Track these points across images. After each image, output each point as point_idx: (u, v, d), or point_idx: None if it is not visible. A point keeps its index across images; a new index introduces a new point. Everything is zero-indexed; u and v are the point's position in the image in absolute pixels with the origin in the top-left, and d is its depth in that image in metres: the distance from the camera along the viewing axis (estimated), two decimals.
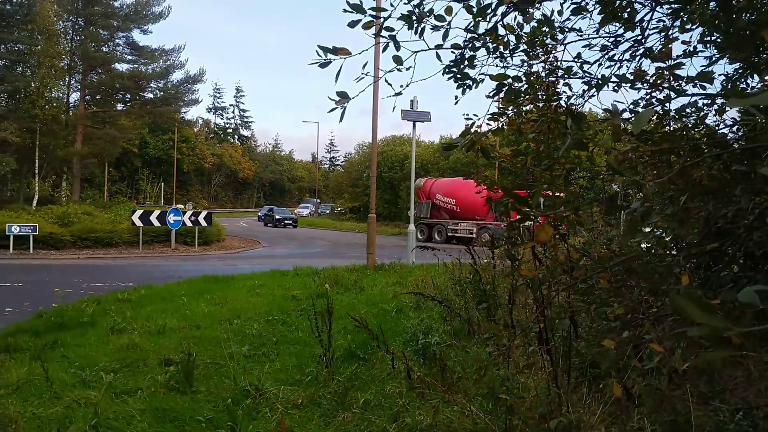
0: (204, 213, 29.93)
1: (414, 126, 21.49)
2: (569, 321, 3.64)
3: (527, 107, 3.95)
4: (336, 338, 6.66)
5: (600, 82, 3.73)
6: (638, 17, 3.69)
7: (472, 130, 3.24)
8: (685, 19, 3.62)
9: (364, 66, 3.12)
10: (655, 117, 3.74)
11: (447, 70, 3.51)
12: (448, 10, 3.19)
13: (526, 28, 3.66)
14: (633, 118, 3.94)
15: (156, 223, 27.00)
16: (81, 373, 6.46)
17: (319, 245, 34.98)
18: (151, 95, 50.14)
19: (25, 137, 38.82)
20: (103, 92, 49.28)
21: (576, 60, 3.77)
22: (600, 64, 3.87)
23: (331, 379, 5.78)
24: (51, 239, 24.93)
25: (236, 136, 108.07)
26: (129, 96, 49.98)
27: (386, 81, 3.25)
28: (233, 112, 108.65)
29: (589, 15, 3.63)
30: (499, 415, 4.03)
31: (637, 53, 3.82)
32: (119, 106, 51.09)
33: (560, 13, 3.62)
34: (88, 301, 11.08)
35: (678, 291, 3.03)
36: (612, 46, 3.84)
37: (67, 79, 46.43)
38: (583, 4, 3.54)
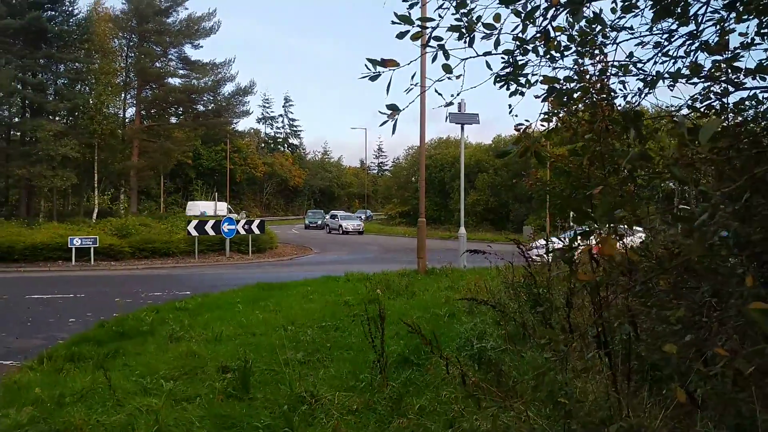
0: (257, 221, 30.40)
1: (462, 128, 21.42)
2: (629, 324, 3.56)
3: (579, 106, 3.89)
4: (389, 344, 6.66)
5: (655, 79, 3.64)
6: (692, 11, 3.59)
7: (524, 134, 3.20)
8: (741, 9, 3.51)
9: (412, 77, 3.12)
10: (712, 111, 3.63)
11: (498, 78, 3.48)
12: (497, 17, 3.17)
13: (577, 27, 3.60)
14: (690, 114, 3.85)
15: (211, 233, 27.55)
16: (142, 380, 6.63)
17: (370, 250, 35.11)
18: (203, 108, 51.30)
19: (84, 152, 40.18)
20: (157, 106, 50.65)
21: (629, 60, 3.69)
22: (654, 62, 3.78)
23: (386, 385, 5.78)
24: (111, 251, 25.69)
25: (286, 145, 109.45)
26: (182, 109, 51.27)
27: (436, 91, 3.24)
28: (282, 121, 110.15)
29: (640, 12, 3.56)
30: (557, 420, 3.96)
31: (693, 47, 3.71)
32: (173, 120, 52.47)
33: (613, 10, 3.56)
34: (147, 310, 11.36)
35: (743, 294, 2.93)
36: (666, 42, 3.74)
37: (122, 94, 47.94)
38: (633, 1, 3.47)
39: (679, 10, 3.51)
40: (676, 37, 3.75)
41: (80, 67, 42.18)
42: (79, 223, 32.91)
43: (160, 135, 49.15)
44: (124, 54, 48.89)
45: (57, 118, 41.26)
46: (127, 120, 49.68)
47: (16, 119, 40.57)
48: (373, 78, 3.11)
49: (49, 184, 37.81)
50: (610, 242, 2.00)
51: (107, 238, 26.19)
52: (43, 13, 39.73)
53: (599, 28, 3.62)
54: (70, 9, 42.12)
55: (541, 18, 3.24)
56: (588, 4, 3.29)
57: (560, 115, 3.89)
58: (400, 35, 3.21)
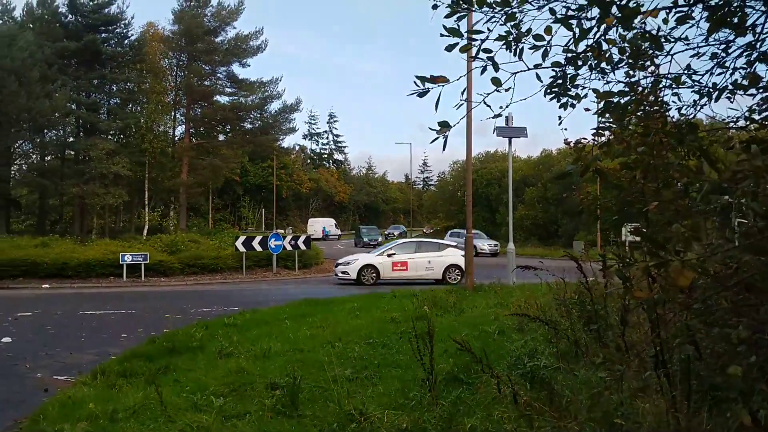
0: (303, 237, 30.66)
1: (510, 142, 21.24)
2: (690, 344, 3.44)
3: (632, 119, 3.81)
4: (437, 361, 6.58)
5: (711, 90, 3.55)
6: (750, 21, 3.49)
7: (581, 151, 3.16)
8: None
9: (462, 92, 3.10)
10: None
11: (548, 90, 3.43)
12: (548, 30, 3.13)
13: (629, 37, 3.53)
14: (748, 126, 3.73)
15: (258, 249, 27.85)
16: (192, 397, 6.69)
17: None
18: (250, 125, 52.13)
19: (135, 170, 41.22)
20: (206, 124, 51.67)
21: (684, 71, 3.60)
22: (711, 73, 3.68)
23: (435, 404, 5.70)
24: (160, 267, 26.20)
25: (331, 161, 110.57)
26: (229, 127, 52.17)
27: (485, 104, 3.21)
28: (327, 137, 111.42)
29: (695, 23, 3.47)
30: None
31: (751, 58, 3.60)
32: (221, 137, 53.41)
33: (665, 21, 3.48)
34: (197, 326, 11.52)
35: None
36: (722, 53, 3.64)
37: (172, 113, 49.07)
38: (688, 11, 3.38)
39: (736, 20, 3.41)
40: (734, 48, 3.65)
41: (132, 87, 43.43)
42: (130, 239, 33.70)
43: (208, 152, 50.11)
44: (174, 73, 50.12)
45: (109, 137, 42.44)
46: (176, 138, 50.83)
47: (71, 138, 41.93)
48: (422, 94, 3.11)
49: (101, 202, 38.88)
50: (685, 273, 1.91)
51: (157, 255, 26.72)
52: (98, 35, 41.08)
53: (651, 43, 3.55)
54: (124, 31, 43.51)
55: (594, 31, 3.19)
56: (642, 19, 3.21)
57: (613, 128, 3.82)
58: (449, 48, 3.20)
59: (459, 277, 23.66)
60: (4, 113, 34.11)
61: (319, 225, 72.07)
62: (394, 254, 23.93)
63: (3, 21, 40.36)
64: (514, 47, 3.25)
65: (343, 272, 23.99)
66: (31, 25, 39.83)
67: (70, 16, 41.81)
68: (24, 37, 35.41)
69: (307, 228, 70.65)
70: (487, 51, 3.17)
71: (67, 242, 29.19)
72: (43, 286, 23.37)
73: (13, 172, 39.99)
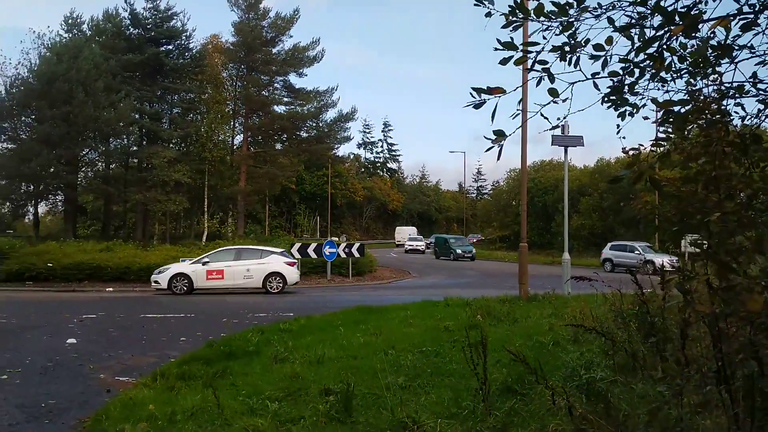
0: (357, 245, 30.85)
1: (566, 151, 20.94)
2: (753, 360, 3.34)
3: (693, 127, 3.73)
4: (491, 371, 6.53)
5: None
6: None
7: (637, 158, 3.11)
8: None
9: (519, 102, 3.10)
10: None
11: (606, 99, 3.40)
12: (609, 40, 3.10)
13: (690, 46, 3.47)
14: None
15: (313, 255, 28.18)
16: (248, 401, 6.81)
17: (469, 275, 34.77)
18: (305, 134, 52.90)
19: (195, 178, 42.27)
20: (263, 133, 52.69)
21: (750, 81, 3.50)
22: None
23: (489, 414, 5.66)
24: None
25: (385, 170, 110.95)
26: (286, 136, 53.07)
27: (542, 115, 3.20)
28: (381, 146, 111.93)
29: (762, 30, 3.38)
30: None
31: None
32: (278, 146, 54.38)
33: (728, 29, 3.40)
34: (253, 331, 11.69)
35: None
36: None
37: (231, 122, 50.17)
38: (754, 19, 3.30)
39: None
40: None
41: (193, 98, 44.62)
42: (190, 245, 34.54)
43: (265, 161, 51.07)
44: (234, 83, 51.28)
45: (171, 146, 43.65)
46: (235, 147, 51.92)
47: (134, 147, 43.30)
48: (478, 106, 3.12)
49: (162, 208, 40.01)
50: (756, 298, 1.86)
51: None
52: (160, 47, 42.38)
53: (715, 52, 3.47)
54: (186, 43, 44.76)
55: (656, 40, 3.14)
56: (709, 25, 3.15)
57: (672, 138, 3.74)
58: (504, 61, 3.19)
59: (281, 285, 23.41)
60: (73, 123, 35.46)
61: (405, 232, 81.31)
62: (209, 262, 23.45)
63: (73, 34, 42.00)
64: (569, 57, 3.23)
65: (155, 281, 23.26)
66: (99, 38, 41.31)
67: (133, 29, 43.24)
68: (89, 49, 36.75)
69: (394, 235, 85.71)
70: (543, 62, 3.16)
71: (129, 247, 30.11)
72: (107, 289, 24.15)
73: (79, 180, 41.46)
